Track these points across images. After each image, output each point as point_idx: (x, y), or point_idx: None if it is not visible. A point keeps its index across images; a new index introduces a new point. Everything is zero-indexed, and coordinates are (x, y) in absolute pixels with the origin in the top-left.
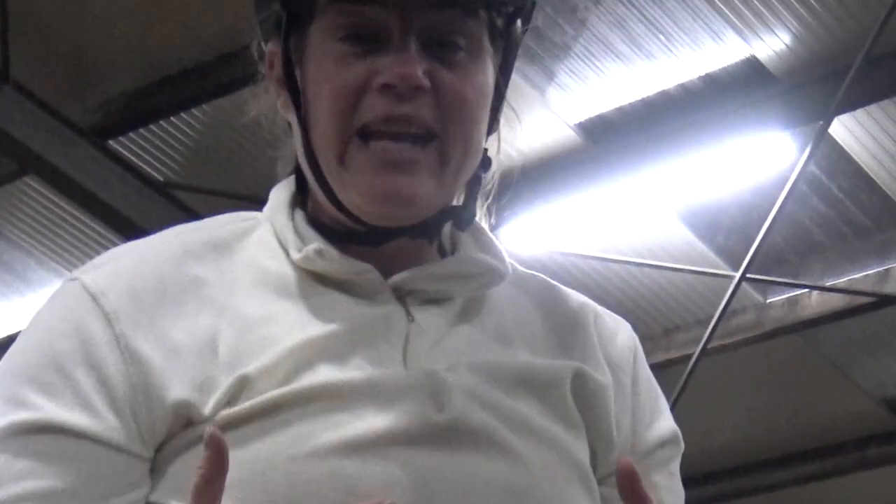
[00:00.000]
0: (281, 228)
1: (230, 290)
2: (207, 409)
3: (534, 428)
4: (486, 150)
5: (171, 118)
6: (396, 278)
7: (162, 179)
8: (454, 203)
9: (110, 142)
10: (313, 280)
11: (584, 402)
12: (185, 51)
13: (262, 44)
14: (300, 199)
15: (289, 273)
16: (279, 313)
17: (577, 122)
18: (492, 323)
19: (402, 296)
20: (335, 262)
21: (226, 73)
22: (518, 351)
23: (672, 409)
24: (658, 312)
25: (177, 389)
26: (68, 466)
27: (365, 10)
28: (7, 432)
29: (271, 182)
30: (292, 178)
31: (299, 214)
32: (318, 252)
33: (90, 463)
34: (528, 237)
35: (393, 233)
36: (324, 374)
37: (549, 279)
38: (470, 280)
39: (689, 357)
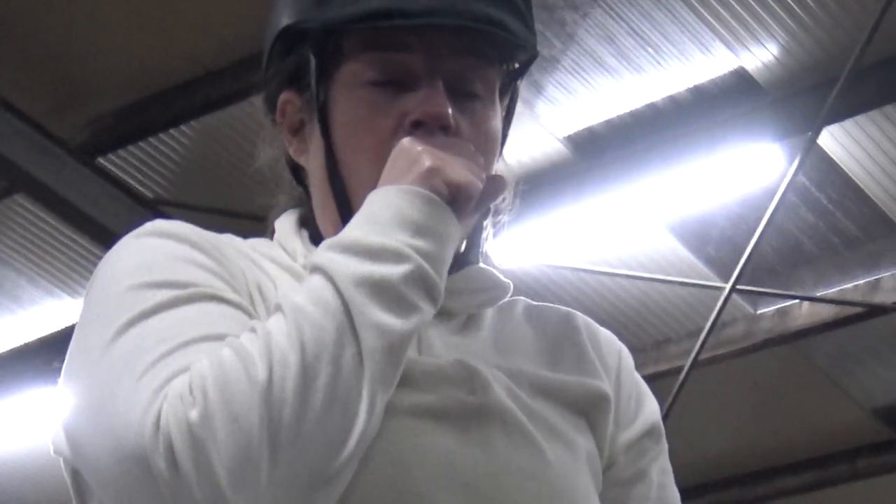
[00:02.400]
0: (287, 240)
1: (260, 270)
2: None
3: (551, 426)
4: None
5: (160, 135)
6: None
7: (151, 196)
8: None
9: (99, 159)
10: None
11: (590, 410)
12: (174, 68)
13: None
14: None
15: (301, 275)
16: None
17: (567, 135)
18: (491, 339)
19: None
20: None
21: (214, 89)
22: (522, 363)
23: (663, 420)
24: (648, 324)
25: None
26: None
27: (393, 56)
28: (168, 303)
29: (259, 197)
30: (294, 211)
31: (305, 234)
32: None
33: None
34: (519, 250)
35: None
36: None
37: (528, 300)
38: (478, 294)
39: (679, 369)
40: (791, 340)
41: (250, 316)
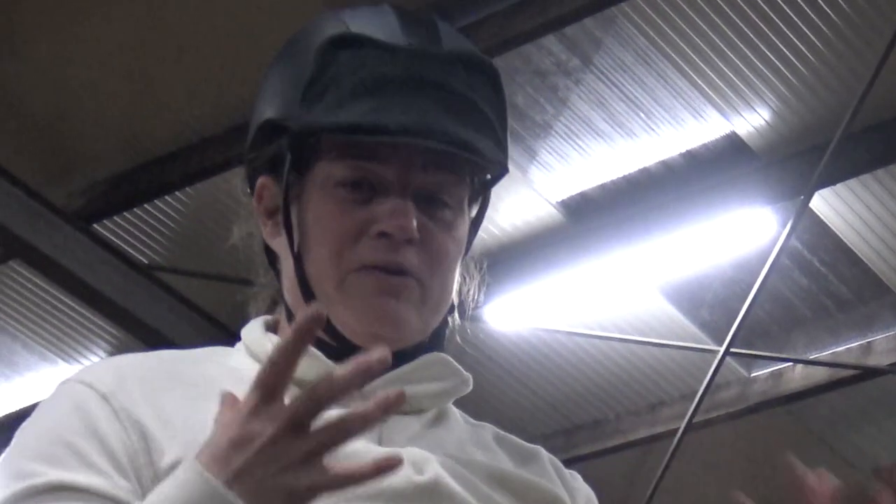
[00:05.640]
0: (256, 341)
1: (214, 387)
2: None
3: None
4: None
5: (155, 201)
6: (366, 387)
7: (146, 262)
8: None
9: (94, 225)
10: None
11: None
12: (168, 135)
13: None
14: (272, 328)
15: None
16: None
17: (560, 199)
18: (455, 438)
19: None
20: (312, 359)
21: (207, 156)
22: (482, 458)
23: (658, 483)
24: (642, 387)
25: (174, 451)
26: None
27: (368, 165)
28: (14, 499)
29: (253, 263)
30: (261, 318)
31: (272, 335)
32: None
33: None
34: (513, 315)
35: None
36: None
37: (497, 429)
38: (438, 381)
39: (674, 432)
40: (785, 403)
41: (111, 496)
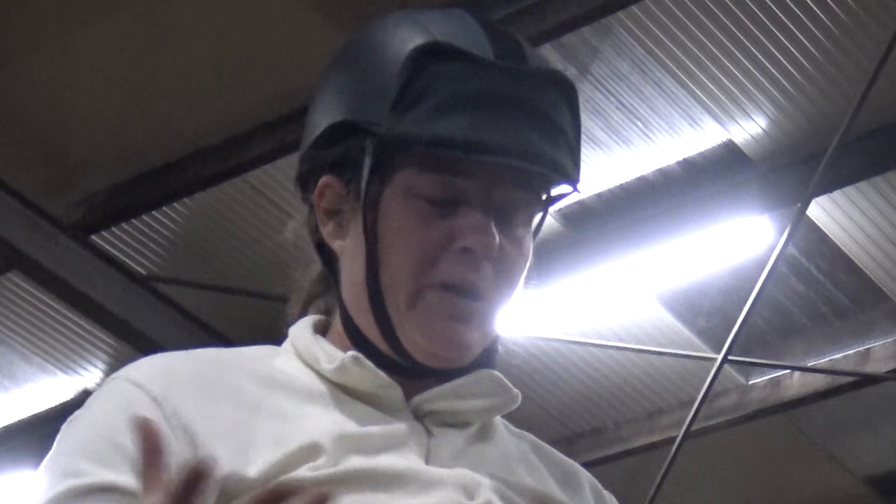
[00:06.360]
0: (307, 347)
1: (264, 394)
2: (247, 482)
3: None
4: None
5: (153, 212)
6: (417, 399)
7: (145, 273)
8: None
9: (92, 236)
10: (339, 392)
11: None
12: (165, 145)
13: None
14: (320, 329)
15: (317, 385)
16: (313, 413)
17: (557, 209)
18: (500, 454)
19: (420, 416)
20: (368, 371)
21: (206, 167)
22: (528, 480)
23: (657, 491)
24: (641, 396)
25: (223, 461)
26: None
27: (452, 179)
28: (62, 497)
29: (252, 273)
30: (309, 319)
31: (322, 339)
32: (356, 359)
33: None
34: (510, 323)
35: (431, 371)
36: (362, 462)
37: (535, 438)
38: (487, 397)
39: (672, 440)
40: (783, 410)
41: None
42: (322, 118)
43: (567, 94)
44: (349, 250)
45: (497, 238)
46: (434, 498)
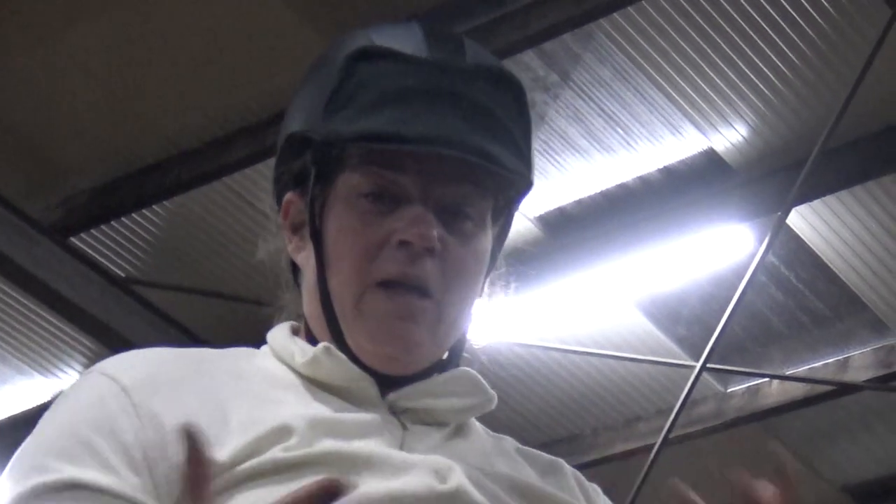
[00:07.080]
0: (283, 346)
1: (239, 382)
2: (218, 467)
3: None
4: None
5: (132, 215)
6: (392, 395)
7: (124, 276)
8: (443, 357)
9: (72, 238)
10: (313, 386)
11: None
12: (145, 148)
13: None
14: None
15: (292, 378)
16: (288, 400)
17: (537, 214)
18: (477, 449)
19: (396, 413)
20: (340, 362)
21: (186, 169)
22: (505, 469)
23: (634, 498)
24: (619, 402)
25: None
26: None
27: (389, 174)
28: (29, 494)
29: (231, 277)
30: (286, 323)
31: (298, 338)
32: (327, 350)
33: None
34: (489, 329)
35: (389, 378)
36: (333, 444)
37: (516, 442)
38: (463, 396)
39: (650, 447)
40: (761, 419)
41: (123, 495)
42: (282, 134)
43: (512, 91)
44: (306, 260)
45: (434, 230)
46: (405, 481)
